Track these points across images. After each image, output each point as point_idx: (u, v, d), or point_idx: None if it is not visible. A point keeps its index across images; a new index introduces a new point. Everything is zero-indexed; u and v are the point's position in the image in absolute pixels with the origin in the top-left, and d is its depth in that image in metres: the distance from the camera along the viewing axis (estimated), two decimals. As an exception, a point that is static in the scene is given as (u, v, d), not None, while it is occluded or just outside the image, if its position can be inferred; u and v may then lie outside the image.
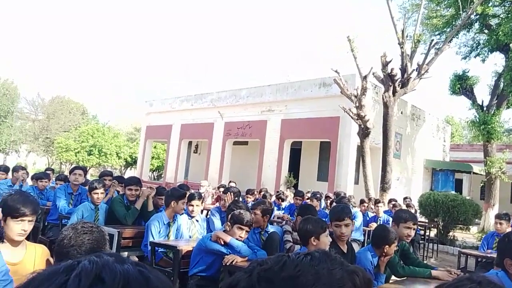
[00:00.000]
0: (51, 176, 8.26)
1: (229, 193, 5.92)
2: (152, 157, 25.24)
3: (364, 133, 11.35)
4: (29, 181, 7.98)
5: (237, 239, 3.67)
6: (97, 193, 4.89)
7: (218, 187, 10.46)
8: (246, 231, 3.73)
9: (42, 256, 2.42)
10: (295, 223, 4.63)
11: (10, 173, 7.84)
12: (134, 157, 28.13)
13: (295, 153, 15.95)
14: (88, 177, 15.43)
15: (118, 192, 6.20)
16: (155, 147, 25.94)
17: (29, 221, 2.28)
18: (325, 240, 3.14)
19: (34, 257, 2.37)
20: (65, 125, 30.83)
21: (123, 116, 42.12)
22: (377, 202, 8.15)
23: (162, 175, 22.65)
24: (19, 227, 2.24)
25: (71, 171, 6.14)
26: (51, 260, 1.68)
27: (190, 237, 4.75)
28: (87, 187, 5.51)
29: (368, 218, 7.96)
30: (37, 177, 6.94)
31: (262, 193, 8.63)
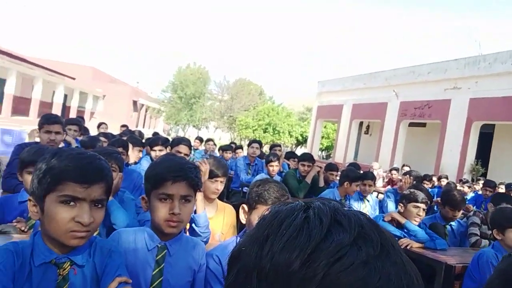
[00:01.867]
0: (233, 149, 9.25)
1: (407, 176, 5.52)
2: (322, 137, 25.65)
3: None
4: (217, 152, 9.12)
5: (414, 219, 3.40)
6: (273, 166, 5.24)
7: (390, 170, 9.92)
8: (423, 209, 3.42)
9: (230, 215, 2.72)
10: (485, 215, 4.04)
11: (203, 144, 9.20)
12: (304, 136, 29.11)
13: (485, 137, 13.80)
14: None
15: (288, 165, 6.53)
16: (325, 126, 26.25)
17: (221, 181, 2.58)
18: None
19: (224, 214, 2.67)
20: (245, 105, 33.94)
21: (295, 96, 43.91)
22: None
23: (331, 155, 22.86)
24: (214, 186, 2.56)
25: (249, 144, 6.75)
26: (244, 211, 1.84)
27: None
28: (263, 160, 6.01)
29: None
30: (223, 148, 7.87)
31: (445, 180, 7.79)
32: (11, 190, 2.63)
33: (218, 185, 2.61)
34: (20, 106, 23.00)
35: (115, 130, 8.88)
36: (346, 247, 0.41)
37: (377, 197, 6.57)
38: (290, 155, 6.87)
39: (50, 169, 1.16)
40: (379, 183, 9.96)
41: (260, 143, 6.85)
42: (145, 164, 4.38)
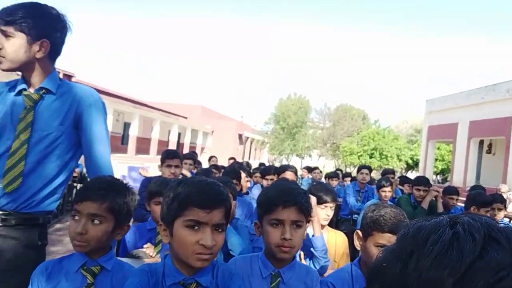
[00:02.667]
0: (340, 176, 9.05)
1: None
2: (436, 159, 23.70)
3: None
4: (323, 180, 9.03)
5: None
6: (385, 191, 4.98)
7: (524, 192, 8.68)
8: None
9: (342, 242, 2.64)
10: None
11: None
12: (415, 160, 27.25)
13: None
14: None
15: (401, 190, 6.15)
16: (438, 148, 24.26)
17: (330, 207, 2.54)
18: None
19: (335, 242, 2.60)
20: (348, 130, 33.24)
21: (403, 118, 41.63)
22: None
23: (448, 178, 20.88)
24: (324, 212, 2.53)
25: (358, 170, 6.53)
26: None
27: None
28: (373, 186, 5.76)
29: None
30: (329, 176, 7.74)
31: None
32: (140, 219, 2.93)
33: (328, 211, 2.57)
34: (142, 146, 25.83)
35: (224, 162, 9.40)
36: (508, 267, 0.37)
37: (509, 222, 5.77)
38: (404, 180, 6.48)
39: (177, 196, 1.27)
40: (510, 207, 8.77)
41: (370, 168, 6.60)
42: (256, 192, 4.54)
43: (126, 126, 25.39)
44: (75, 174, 7.20)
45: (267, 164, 8.09)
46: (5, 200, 1.64)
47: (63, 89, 1.77)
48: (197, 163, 5.86)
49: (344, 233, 3.08)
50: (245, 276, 1.55)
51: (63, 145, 1.73)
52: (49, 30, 1.69)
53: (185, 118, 32.48)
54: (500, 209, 4.16)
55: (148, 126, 26.57)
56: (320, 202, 2.52)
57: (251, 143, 42.92)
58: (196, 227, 1.24)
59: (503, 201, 4.34)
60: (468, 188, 6.97)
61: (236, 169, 4.03)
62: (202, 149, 32.27)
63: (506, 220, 6.17)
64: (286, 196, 1.55)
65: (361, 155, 28.05)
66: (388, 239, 1.59)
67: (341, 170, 10.47)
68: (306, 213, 1.60)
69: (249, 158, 38.54)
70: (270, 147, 36.50)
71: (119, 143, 25.37)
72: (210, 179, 1.43)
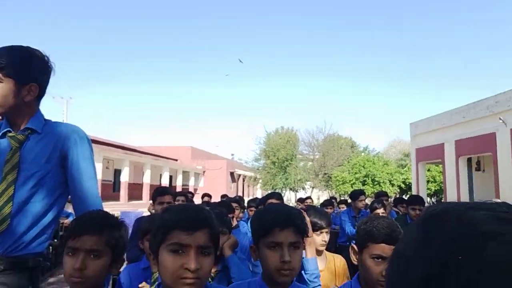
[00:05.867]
0: (335, 204, 9.02)
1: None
2: (428, 181, 23.82)
3: None
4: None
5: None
6: (378, 213, 4.98)
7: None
8: None
9: (341, 265, 2.62)
10: None
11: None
12: (407, 183, 27.32)
13: None
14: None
15: (397, 212, 6.15)
16: (428, 169, 24.45)
17: (326, 232, 2.53)
18: None
19: (334, 265, 2.57)
20: (338, 160, 33.40)
21: (390, 142, 42.13)
22: None
23: (442, 199, 20.90)
24: (320, 238, 2.52)
25: (354, 197, 6.53)
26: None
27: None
28: (368, 210, 5.75)
29: None
30: (324, 204, 7.72)
31: None
32: (134, 260, 2.87)
33: (324, 236, 2.57)
34: (134, 192, 25.53)
35: (216, 200, 9.32)
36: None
37: None
38: (399, 201, 6.50)
39: (161, 222, 1.27)
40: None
41: (364, 193, 6.63)
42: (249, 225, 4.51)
43: (117, 173, 25.17)
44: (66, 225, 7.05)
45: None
46: None
47: (48, 128, 1.78)
48: (189, 200, 5.81)
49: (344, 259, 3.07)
50: (243, 302, 1.53)
51: (50, 183, 1.72)
52: (36, 73, 1.72)
53: (176, 160, 32.41)
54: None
55: (139, 171, 26.40)
56: (315, 228, 2.51)
57: (244, 180, 42.74)
58: (180, 251, 1.21)
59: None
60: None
61: (227, 202, 4.00)
62: (195, 190, 31.93)
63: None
64: (282, 218, 1.54)
65: (354, 183, 28.04)
66: (382, 249, 1.59)
67: (335, 198, 10.45)
68: (303, 234, 1.59)
69: (243, 195, 38.25)
70: (262, 182, 36.32)
71: (111, 190, 25.06)
72: (195, 204, 1.43)
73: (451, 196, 17.94)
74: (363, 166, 28.26)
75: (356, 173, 28.40)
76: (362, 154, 34.39)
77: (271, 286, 1.54)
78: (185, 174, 32.25)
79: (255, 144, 42.04)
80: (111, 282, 2.25)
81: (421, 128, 20.62)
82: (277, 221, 1.53)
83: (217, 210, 2.63)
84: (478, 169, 18.71)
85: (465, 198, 17.17)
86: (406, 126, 22.26)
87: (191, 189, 30.97)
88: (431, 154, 19.75)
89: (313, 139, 36.37)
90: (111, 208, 17.96)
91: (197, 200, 9.94)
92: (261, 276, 1.60)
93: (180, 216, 1.26)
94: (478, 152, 17.08)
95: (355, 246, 1.72)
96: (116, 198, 22.84)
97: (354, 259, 1.72)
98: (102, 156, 21.20)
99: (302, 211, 2.07)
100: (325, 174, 33.82)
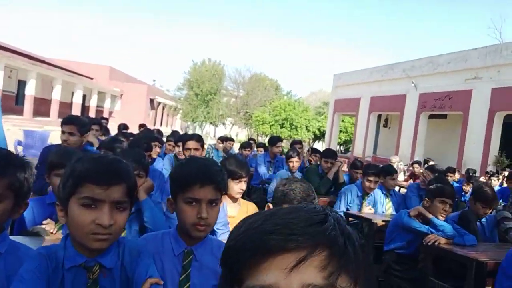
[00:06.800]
0: (253, 145, 9.23)
1: (427, 170, 5.44)
2: (340, 131, 25.45)
3: None
4: (235, 150, 9.11)
5: (440, 215, 3.33)
6: (293, 161, 5.21)
7: (412, 164, 9.77)
8: (449, 205, 3.35)
9: (253, 212, 2.72)
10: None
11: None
12: (322, 131, 28.94)
13: (509, 128, 13.46)
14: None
15: (309, 161, 6.53)
16: (343, 120, 26.03)
17: (244, 181, 2.58)
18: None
19: (247, 212, 2.67)
20: (261, 100, 33.90)
21: (312, 90, 43.62)
22: None
23: (350, 149, 22.65)
24: (238, 186, 2.56)
25: (272, 142, 6.69)
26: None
27: (383, 212, 4.64)
28: (283, 156, 6.00)
29: None
30: (242, 146, 7.86)
31: (470, 173, 7.62)
32: (39, 192, 2.67)
33: (242, 185, 2.61)
34: (41, 107, 23.50)
35: (134, 128, 8.98)
36: None
37: (399, 191, 6.48)
38: (314, 151, 6.89)
39: (72, 172, 1.17)
40: (400, 177, 9.81)
41: (281, 139, 6.85)
42: (168, 164, 4.42)
43: (21, 84, 22.75)
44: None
45: (180, 132, 7.91)
46: None
47: None
48: (104, 129, 5.50)
49: (255, 202, 3.19)
50: (156, 254, 1.50)
51: None
52: None
53: (91, 78, 30.15)
54: (393, 179, 4.64)
55: (47, 86, 24.15)
56: (234, 177, 2.54)
57: (163, 109, 41.62)
58: (92, 206, 1.15)
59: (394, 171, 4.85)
60: (368, 159, 7.61)
61: (146, 138, 3.85)
62: (110, 113, 30.44)
63: (397, 188, 6.93)
64: (203, 175, 1.50)
65: (272, 125, 28.93)
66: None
67: (254, 140, 10.70)
68: (222, 191, 1.59)
69: (161, 125, 37.43)
70: (183, 113, 35.75)
71: (13, 103, 22.75)
72: (111, 155, 1.33)
73: (358, 147, 19.49)
74: (284, 110, 29.10)
75: (276, 115, 29.20)
76: (285, 97, 35.24)
77: (185, 239, 1.54)
78: (101, 95, 30.31)
79: (181, 74, 40.61)
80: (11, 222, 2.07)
81: (342, 80, 21.54)
82: (197, 178, 1.49)
83: (135, 151, 2.52)
84: (385, 125, 20.40)
85: (369, 150, 18.80)
86: (331, 78, 23.08)
87: (106, 112, 29.43)
88: (347, 107, 20.93)
89: (239, 76, 36.16)
90: (13, 122, 16.40)
91: (113, 125, 9.47)
92: (176, 228, 1.59)
93: (94, 168, 1.17)
94: (388, 110, 18.51)
95: (271, 205, 1.77)
96: (19, 112, 20.82)
97: None
98: (4, 63, 18.88)
99: (222, 166, 2.05)
100: (246, 112, 34.25)
